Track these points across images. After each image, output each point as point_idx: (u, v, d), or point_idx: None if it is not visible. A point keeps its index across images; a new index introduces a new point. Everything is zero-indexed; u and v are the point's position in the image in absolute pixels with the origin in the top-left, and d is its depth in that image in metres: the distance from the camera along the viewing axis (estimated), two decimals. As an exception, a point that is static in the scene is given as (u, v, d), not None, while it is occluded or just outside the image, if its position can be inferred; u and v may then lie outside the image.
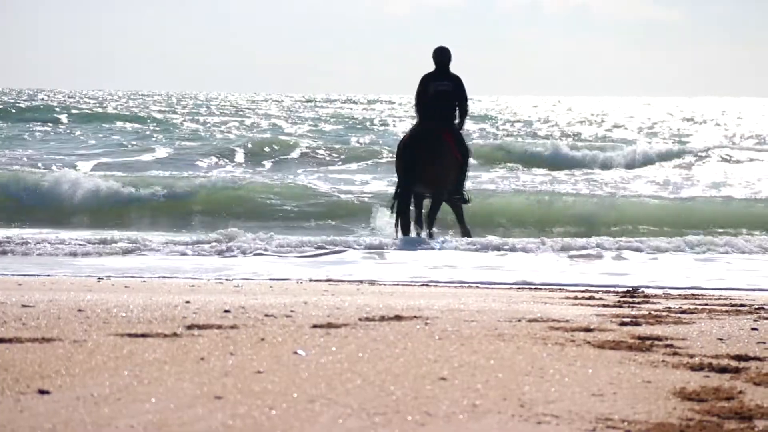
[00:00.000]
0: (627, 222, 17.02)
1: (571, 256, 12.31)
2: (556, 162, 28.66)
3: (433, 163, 13.67)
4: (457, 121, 13.97)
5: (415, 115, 14.24)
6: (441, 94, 13.84)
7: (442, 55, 14.05)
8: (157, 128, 38.14)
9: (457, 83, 13.92)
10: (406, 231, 13.58)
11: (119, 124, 39.60)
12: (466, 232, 14.08)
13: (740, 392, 3.79)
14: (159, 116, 44.41)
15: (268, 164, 27.70)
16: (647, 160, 29.60)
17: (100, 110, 46.85)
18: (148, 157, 28.13)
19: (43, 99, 61.18)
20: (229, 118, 46.22)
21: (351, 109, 63.49)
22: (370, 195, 19.40)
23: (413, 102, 14.26)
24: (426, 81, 13.95)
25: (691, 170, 27.81)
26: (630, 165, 28.66)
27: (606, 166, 28.33)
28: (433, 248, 12.69)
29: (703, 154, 30.91)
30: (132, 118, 43.32)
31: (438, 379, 3.82)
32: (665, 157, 30.34)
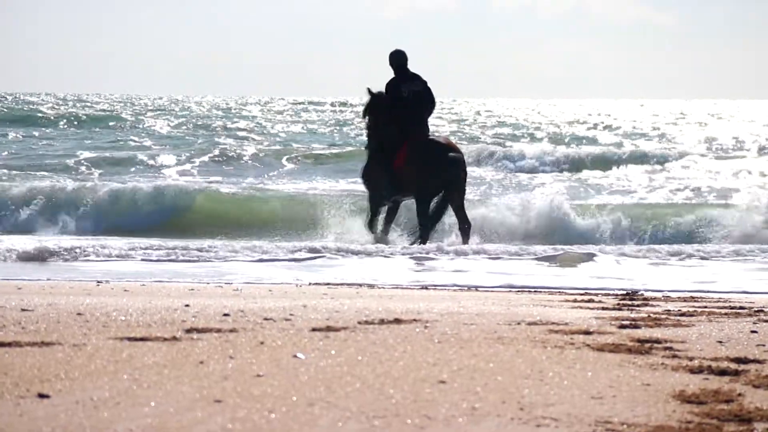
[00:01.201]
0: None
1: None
2: None
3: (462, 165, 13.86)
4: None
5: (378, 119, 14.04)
6: (416, 95, 13.85)
7: (400, 58, 14.03)
8: (136, 131, 37.83)
9: (423, 81, 13.95)
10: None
11: (93, 129, 39.10)
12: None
13: (739, 395, 3.79)
14: (146, 120, 44.02)
15: (234, 168, 27.16)
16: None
17: (73, 114, 46.26)
18: (111, 158, 27.66)
19: (27, 102, 60.90)
20: (213, 121, 45.82)
21: (342, 111, 63.29)
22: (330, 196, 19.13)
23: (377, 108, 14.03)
24: (395, 86, 13.90)
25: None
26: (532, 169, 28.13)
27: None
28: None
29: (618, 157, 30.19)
30: (108, 119, 43.03)
31: (437, 383, 3.82)
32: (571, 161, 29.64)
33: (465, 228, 13.88)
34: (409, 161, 13.60)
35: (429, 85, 13.96)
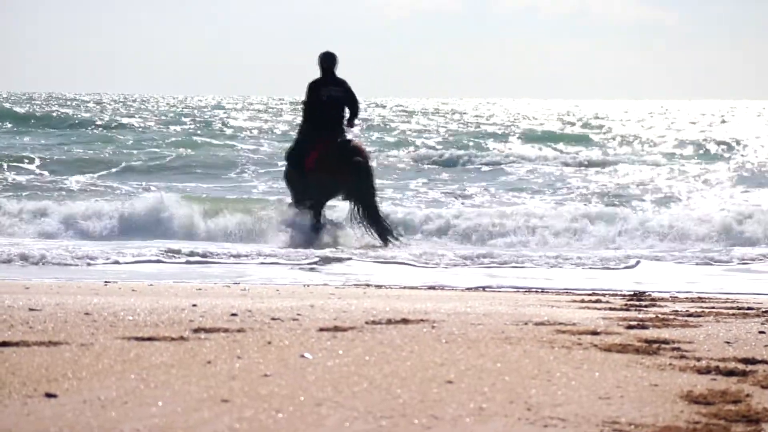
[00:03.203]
0: None
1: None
2: None
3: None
4: (348, 125, 14.13)
5: (302, 120, 14.26)
6: (333, 100, 13.89)
7: (329, 61, 14.09)
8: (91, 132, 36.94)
9: (346, 88, 14.00)
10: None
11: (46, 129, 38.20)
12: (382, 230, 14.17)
13: (747, 395, 3.78)
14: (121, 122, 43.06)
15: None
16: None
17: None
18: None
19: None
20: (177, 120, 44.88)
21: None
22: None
23: (301, 107, 14.25)
24: (316, 87, 13.98)
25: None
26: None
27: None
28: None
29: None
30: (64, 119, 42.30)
31: (445, 383, 3.82)
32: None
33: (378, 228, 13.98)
34: (318, 164, 13.66)
35: (353, 91, 14.01)
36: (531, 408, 3.47)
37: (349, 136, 14.16)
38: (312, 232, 13.84)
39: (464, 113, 64.20)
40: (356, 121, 14.15)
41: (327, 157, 13.65)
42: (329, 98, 13.84)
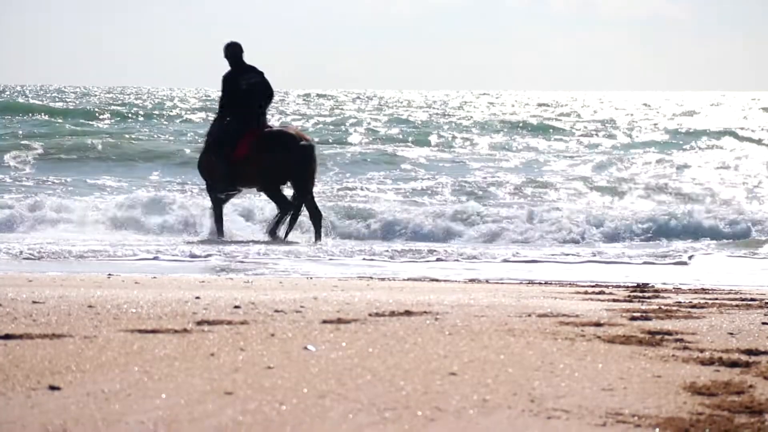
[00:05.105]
0: None
1: None
2: None
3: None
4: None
5: (221, 110, 14.09)
6: (254, 86, 13.91)
7: (236, 49, 14.08)
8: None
9: (259, 72, 14.03)
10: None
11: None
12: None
13: (750, 386, 3.78)
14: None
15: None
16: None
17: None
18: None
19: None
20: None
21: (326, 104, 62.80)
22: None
23: (219, 98, 14.11)
24: (233, 77, 13.96)
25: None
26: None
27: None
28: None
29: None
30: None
31: (448, 375, 3.82)
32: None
33: (317, 219, 13.94)
34: (254, 152, 13.61)
35: (266, 76, 14.04)
36: (534, 400, 3.47)
37: (279, 123, 14.17)
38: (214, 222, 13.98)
39: (443, 103, 64.33)
40: (269, 108, 14.10)
41: (262, 145, 13.59)
42: (248, 85, 13.87)
